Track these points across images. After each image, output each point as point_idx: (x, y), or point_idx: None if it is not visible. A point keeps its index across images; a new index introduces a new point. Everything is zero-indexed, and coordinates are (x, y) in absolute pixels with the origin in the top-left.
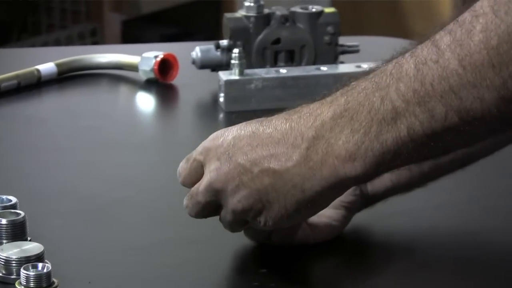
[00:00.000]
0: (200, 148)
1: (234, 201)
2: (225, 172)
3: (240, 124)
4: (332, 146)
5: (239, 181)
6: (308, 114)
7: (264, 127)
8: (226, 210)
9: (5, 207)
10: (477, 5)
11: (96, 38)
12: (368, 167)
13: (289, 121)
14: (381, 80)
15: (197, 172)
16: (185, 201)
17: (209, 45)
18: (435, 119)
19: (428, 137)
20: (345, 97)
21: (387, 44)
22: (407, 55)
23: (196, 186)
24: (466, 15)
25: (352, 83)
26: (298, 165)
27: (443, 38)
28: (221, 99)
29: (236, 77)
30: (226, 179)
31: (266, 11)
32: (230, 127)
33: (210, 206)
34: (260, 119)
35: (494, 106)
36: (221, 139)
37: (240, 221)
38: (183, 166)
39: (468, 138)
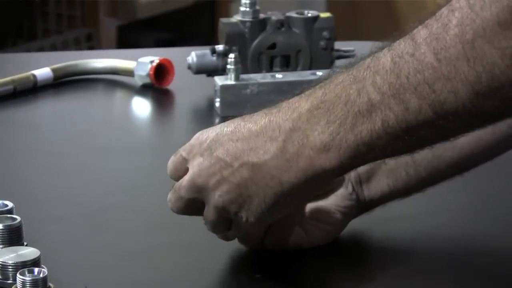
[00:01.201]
0: (186, 145)
1: (216, 196)
2: (207, 167)
3: (224, 122)
4: (308, 137)
5: (220, 175)
6: (286, 108)
7: (245, 122)
8: (208, 207)
9: (1, 212)
10: (454, 0)
11: (91, 43)
12: (342, 159)
13: (268, 115)
14: (359, 73)
15: (181, 167)
16: (168, 195)
17: (205, 50)
18: (409, 112)
19: (403, 130)
20: (323, 89)
21: None
22: (385, 49)
23: (180, 181)
24: (443, 10)
25: (331, 77)
26: (275, 157)
27: (420, 32)
28: (217, 104)
29: (232, 82)
30: (208, 174)
31: (261, 16)
32: (215, 126)
33: (193, 203)
34: (243, 116)
35: (469, 100)
36: (205, 136)
37: (223, 221)
38: (171, 159)
39: (443, 132)
